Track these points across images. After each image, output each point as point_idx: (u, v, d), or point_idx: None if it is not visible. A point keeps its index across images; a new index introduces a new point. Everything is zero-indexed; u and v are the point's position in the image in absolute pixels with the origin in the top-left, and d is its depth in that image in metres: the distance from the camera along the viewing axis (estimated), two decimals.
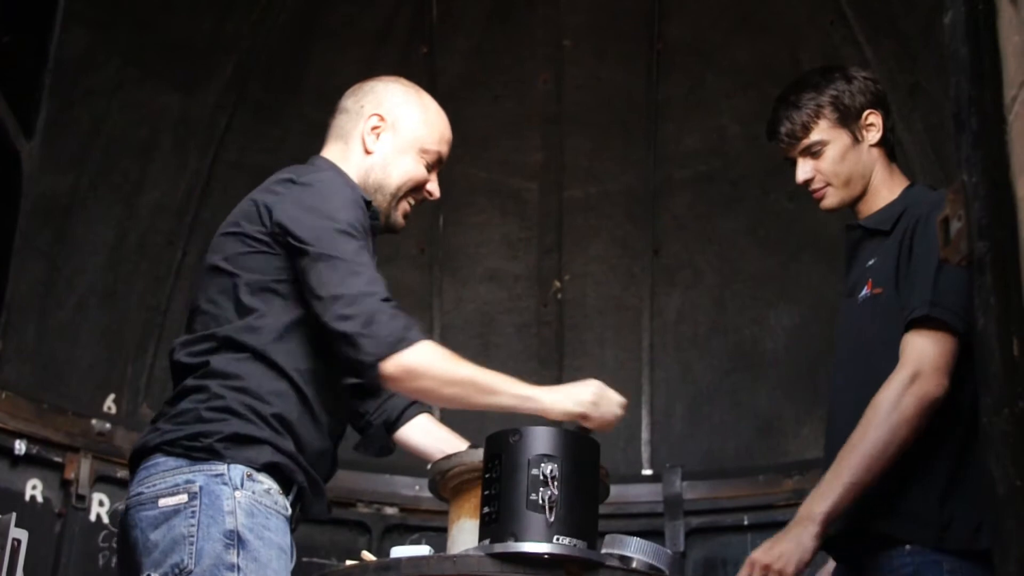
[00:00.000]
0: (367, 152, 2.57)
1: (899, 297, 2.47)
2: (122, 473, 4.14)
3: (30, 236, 4.05)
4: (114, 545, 4.11)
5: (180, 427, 2.26)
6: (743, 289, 4.80)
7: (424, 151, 2.60)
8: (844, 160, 2.66)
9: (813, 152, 2.67)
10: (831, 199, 2.70)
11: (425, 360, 2.30)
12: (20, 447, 3.92)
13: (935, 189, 2.65)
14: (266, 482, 2.24)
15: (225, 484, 2.19)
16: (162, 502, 2.19)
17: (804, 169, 2.69)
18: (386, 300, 2.30)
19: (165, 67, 4.48)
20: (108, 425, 4.21)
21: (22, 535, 3.73)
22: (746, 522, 4.38)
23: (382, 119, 2.59)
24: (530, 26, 5.02)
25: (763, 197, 4.77)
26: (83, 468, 4.09)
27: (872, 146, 2.67)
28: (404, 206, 2.61)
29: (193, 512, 2.16)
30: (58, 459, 4.05)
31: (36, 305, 4.14)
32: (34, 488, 3.98)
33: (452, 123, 2.70)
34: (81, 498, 4.07)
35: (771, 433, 4.57)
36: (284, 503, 2.27)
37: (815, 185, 2.69)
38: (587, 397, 2.33)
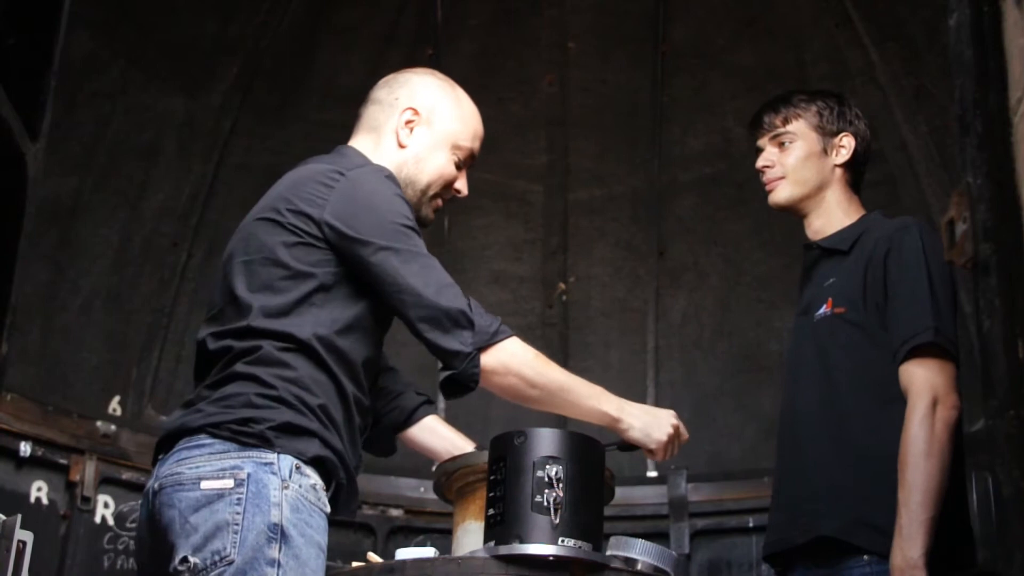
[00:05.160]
0: (400, 146, 2.51)
1: (867, 317, 2.55)
2: (127, 475, 4.16)
3: (35, 239, 4.05)
4: (119, 547, 4.11)
5: (228, 411, 2.17)
6: (748, 291, 4.79)
7: (457, 147, 2.55)
8: (807, 161, 2.77)
9: (781, 142, 2.79)
10: (781, 193, 2.80)
11: (519, 356, 2.30)
12: (25, 449, 3.93)
13: (891, 217, 2.72)
14: (312, 476, 2.17)
15: (274, 474, 2.11)
16: (205, 484, 2.10)
17: (768, 156, 2.82)
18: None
19: (170, 69, 4.48)
20: (113, 427, 4.22)
21: (27, 537, 3.72)
22: (751, 524, 4.38)
23: (416, 113, 2.53)
24: (535, 28, 5.02)
25: (768, 199, 4.76)
26: (88, 470, 4.10)
27: (837, 166, 2.78)
28: (436, 203, 2.56)
29: (239, 499, 2.08)
30: (63, 461, 4.06)
31: (41, 307, 4.15)
32: (39, 490, 3.99)
33: None
34: (86, 500, 4.07)
35: (776, 435, 4.56)
36: (325, 500, 2.21)
37: (772, 174, 2.81)
38: (662, 437, 2.40)
